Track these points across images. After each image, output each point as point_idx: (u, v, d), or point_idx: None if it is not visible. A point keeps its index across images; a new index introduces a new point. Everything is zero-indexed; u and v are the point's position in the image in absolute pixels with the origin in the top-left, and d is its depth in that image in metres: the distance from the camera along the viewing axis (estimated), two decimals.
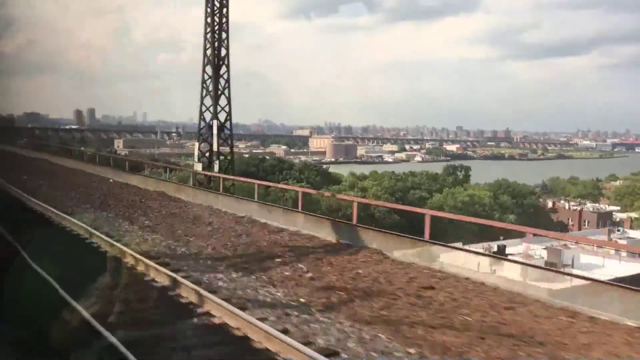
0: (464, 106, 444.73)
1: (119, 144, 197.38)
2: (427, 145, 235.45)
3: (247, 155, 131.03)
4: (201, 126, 26.69)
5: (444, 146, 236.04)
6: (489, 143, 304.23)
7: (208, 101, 25.97)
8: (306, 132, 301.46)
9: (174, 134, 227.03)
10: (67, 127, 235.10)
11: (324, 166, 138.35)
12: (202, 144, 26.53)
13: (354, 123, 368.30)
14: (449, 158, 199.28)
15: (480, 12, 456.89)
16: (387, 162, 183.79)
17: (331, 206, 49.22)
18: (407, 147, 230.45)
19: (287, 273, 10.39)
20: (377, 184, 76.81)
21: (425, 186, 78.91)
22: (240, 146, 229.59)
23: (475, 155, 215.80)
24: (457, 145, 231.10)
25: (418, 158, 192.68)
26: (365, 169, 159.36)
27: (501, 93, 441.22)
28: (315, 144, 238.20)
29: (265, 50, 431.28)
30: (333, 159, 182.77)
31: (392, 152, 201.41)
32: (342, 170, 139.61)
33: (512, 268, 12.98)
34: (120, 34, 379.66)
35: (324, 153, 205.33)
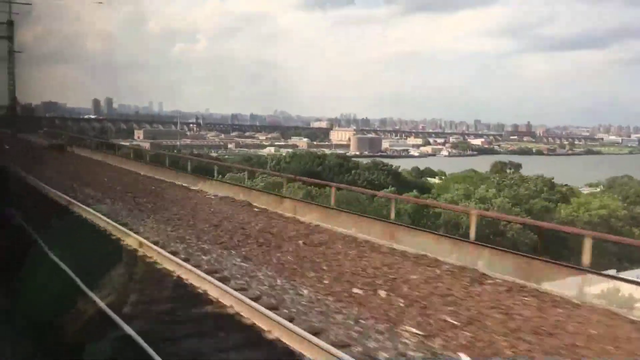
0: (481, 99, 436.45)
1: (139, 134, 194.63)
2: (451, 139, 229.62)
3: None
4: None
5: (468, 140, 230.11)
6: (511, 137, 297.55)
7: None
8: (324, 124, 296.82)
9: (193, 125, 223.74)
10: (86, 116, 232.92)
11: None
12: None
13: (369, 115, 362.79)
14: (475, 152, 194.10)
15: (497, 4, 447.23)
16: (413, 156, 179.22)
17: (450, 221, 40.08)
18: (430, 140, 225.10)
19: None
20: (495, 191, 58.73)
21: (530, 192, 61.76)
22: (261, 138, 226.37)
23: (501, 150, 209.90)
24: (482, 140, 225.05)
25: (445, 152, 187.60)
26: (394, 163, 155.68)
27: (517, 86, 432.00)
28: (337, 136, 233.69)
29: (280, 40, 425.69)
30: (357, 152, 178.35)
31: (417, 146, 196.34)
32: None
33: None
34: (137, 24, 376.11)
35: (346, 146, 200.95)
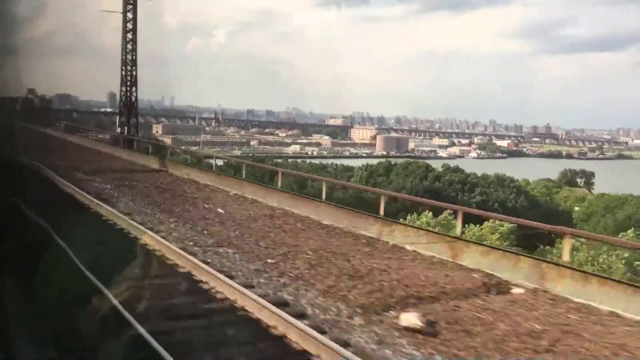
0: (497, 99, 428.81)
1: (157, 129, 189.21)
2: (475, 139, 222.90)
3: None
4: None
5: (494, 141, 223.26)
6: (533, 139, 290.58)
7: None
8: (339, 122, 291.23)
9: (211, 120, 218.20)
10: (102, 109, 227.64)
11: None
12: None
13: (383, 114, 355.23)
14: (505, 155, 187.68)
15: (516, 4, 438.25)
16: (441, 158, 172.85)
17: None
18: (454, 141, 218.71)
19: None
20: None
21: None
22: (281, 135, 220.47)
23: (530, 153, 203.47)
24: (508, 141, 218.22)
25: (473, 154, 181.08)
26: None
27: (533, 87, 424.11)
28: (357, 135, 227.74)
29: (295, 37, 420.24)
30: (384, 152, 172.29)
31: (444, 147, 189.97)
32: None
33: None
34: (153, 18, 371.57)
35: (368, 145, 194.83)
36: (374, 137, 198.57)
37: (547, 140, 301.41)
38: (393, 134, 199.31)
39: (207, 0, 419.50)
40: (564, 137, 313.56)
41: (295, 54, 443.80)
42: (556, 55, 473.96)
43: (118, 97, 40.45)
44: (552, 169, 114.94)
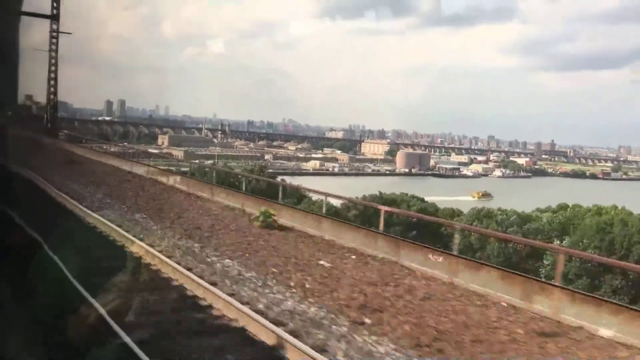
0: (496, 115, 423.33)
1: (163, 140, 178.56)
2: (492, 156, 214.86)
3: None
4: None
5: (510, 158, 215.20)
6: (543, 156, 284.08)
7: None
8: (339, 135, 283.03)
9: (218, 132, 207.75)
10: (100, 118, 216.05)
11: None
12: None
13: (381, 127, 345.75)
14: (529, 174, 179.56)
15: (516, 21, 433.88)
16: (466, 176, 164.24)
17: None
18: (469, 157, 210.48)
19: None
20: None
21: None
22: (290, 148, 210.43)
23: (552, 172, 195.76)
24: (527, 159, 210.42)
25: (498, 173, 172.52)
26: (453, 185, 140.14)
27: (531, 103, 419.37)
28: (369, 149, 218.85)
29: (292, 48, 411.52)
30: (406, 170, 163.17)
31: (465, 164, 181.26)
32: (434, 188, 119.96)
33: None
34: (150, 26, 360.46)
35: (383, 161, 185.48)
36: (391, 153, 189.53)
37: (556, 158, 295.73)
38: (414, 150, 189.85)
39: (205, 10, 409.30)
40: (572, 155, 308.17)
41: (291, 65, 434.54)
42: (554, 72, 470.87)
43: None
44: (603, 192, 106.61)
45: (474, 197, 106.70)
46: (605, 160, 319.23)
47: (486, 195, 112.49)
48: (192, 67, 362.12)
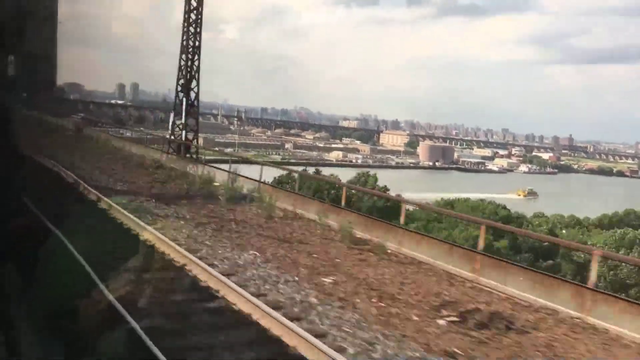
0: (509, 107, 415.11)
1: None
2: (513, 150, 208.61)
3: None
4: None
5: (533, 153, 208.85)
6: (563, 151, 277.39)
7: None
8: (353, 124, 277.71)
9: (234, 119, 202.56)
10: (113, 101, 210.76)
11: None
12: None
13: (388, 116, 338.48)
14: (556, 170, 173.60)
15: (533, 12, 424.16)
16: (491, 171, 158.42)
17: None
18: (490, 151, 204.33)
19: None
20: None
21: None
22: (308, 137, 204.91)
23: (577, 169, 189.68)
24: (550, 155, 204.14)
25: (524, 168, 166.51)
26: (484, 181, 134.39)
27: (546, 97, 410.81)
28: (388, 140, 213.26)
29: (305, 35, 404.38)
30: (430, 163, 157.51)
31: (489, 158, 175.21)
32: (473, 185, 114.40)
33: None
34: (163, 10, 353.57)
35: (406, 153, 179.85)
36: (411, 145, 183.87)
37: (575, 154, 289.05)
38: (437, 143, 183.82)
39: None
40: (591, 150, 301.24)
41: (304, 52, 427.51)
42: (567, 65, 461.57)
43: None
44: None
45: (519, 195, 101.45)
46: (626, 157, 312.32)
47: (532, 193, 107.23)
48: (205, 51, 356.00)
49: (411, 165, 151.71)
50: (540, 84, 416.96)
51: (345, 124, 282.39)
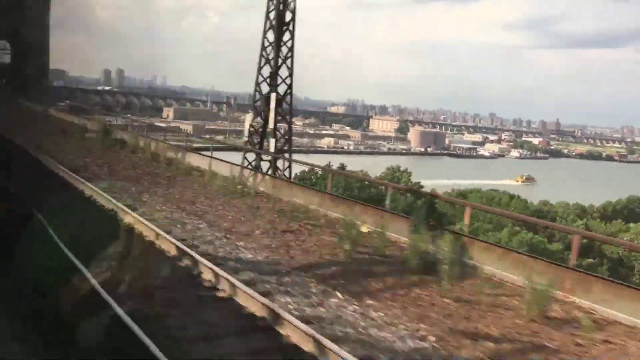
0: (496, 92, 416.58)
1: (168, 113, 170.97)
2: (503, 135, 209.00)
3: None
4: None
5: (523, 138, 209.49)
6: (552, 135, 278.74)
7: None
8: (341, 110, 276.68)
9: (223, 105, 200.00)
10: (99, 87, 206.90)
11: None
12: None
13: (375, 101, 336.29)
14: (547, 155, 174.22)
15: None
16: (483, 157, 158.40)
17: None
18: (480, 137, 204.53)
19: None
20: None
21: None
22: (297, 123, 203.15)
23: (568, 153, 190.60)
24: (540, 139, 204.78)
25: (515, 153, 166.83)
26: (469, 165, 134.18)
27: (534, 82, 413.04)
28: (378, 126, 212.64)
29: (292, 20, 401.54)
30: (422, 149, 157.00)
31: (479, 144, 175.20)
32: (466, 171, 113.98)
33: None
34: None
35: (398, 139, 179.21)
36: (402, 130, 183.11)
37: (562, 138, 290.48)
38: (428, 128, 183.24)
39: None
40: (579, 134, 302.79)
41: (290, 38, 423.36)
42: (557, 49, 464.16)
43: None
44: None
45: (518, 181, 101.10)
46: (613, 142, 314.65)
47: (530, 179, 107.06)
48: (191, 37, 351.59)
49: (403, 151, 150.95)
50: (526, 68, 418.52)
51: (333, 109, 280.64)
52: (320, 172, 29.24)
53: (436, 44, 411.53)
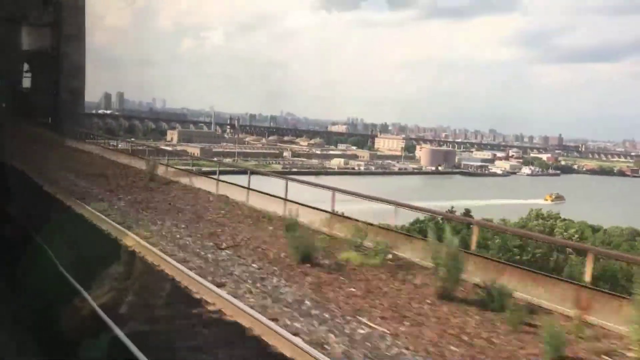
0: (496, 108, 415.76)
1: (172, 136, 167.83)
2: (510, 152, 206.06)
3: None
4: None
5: (531, 154, 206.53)
6: (556, 151, 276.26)
7: None
8: (342, 129, 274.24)
9: (227, 127, 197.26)
10: (100, 111, 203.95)
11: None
12: None
13: (375, 120, 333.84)
14: (558, 172, 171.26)
15: (516, 12, 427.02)
16: (495, 175, 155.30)
17: None
18: (490, 154, 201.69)
19: None
20: None
21: None
22: (302, 143, 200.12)
23: (579, 169, 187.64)
24: (548, 155, 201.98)
25: (526, 170, 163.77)
26: (485, 184, 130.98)
27: (533, 97, 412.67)
28: (384, 144, 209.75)
29: (291, 40, 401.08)
30: (433, 168, 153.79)
31: (489, 161, 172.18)
32: (486, 190, 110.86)
33: None
34: (146, 18, 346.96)
35: (406, 158, 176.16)
36: (409, 149, 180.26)
37: (567, 153, 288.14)
38: (441, 148, 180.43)
39: (202, 1, 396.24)
40: (583, 149, 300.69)
41: (289, 58, 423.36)
42: (554, 64, 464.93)
43: None
44: None
45: (547, 200, 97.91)
46: (618, 156, 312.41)
47: (559, 197, 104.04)
48: (190, 59, 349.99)
49: (414, 170, 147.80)
50: (525, 83, 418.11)
51: (334, 128, 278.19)
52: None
53: (435, 61, 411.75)
